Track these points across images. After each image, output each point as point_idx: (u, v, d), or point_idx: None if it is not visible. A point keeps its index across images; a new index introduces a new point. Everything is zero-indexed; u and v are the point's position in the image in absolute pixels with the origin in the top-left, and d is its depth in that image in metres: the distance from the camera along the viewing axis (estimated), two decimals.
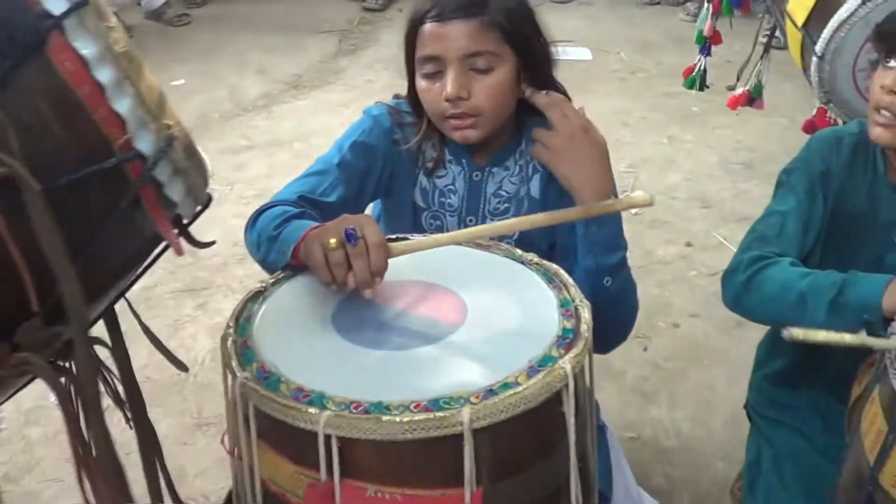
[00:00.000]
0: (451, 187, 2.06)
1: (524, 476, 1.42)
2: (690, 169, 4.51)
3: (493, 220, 2.03)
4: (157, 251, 1.48)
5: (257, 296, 1.62)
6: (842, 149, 2.08)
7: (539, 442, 1.43)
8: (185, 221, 1.40)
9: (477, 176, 2.05)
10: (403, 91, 2.06)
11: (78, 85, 1.13)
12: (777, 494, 2.13)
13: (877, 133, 1.96)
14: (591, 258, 1.82)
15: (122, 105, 1.18)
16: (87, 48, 1.14)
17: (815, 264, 2.03)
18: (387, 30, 6.19)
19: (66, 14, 1.13)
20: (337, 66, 5.58)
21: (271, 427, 1.39)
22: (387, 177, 2.06)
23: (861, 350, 1.71)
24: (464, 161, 2.05)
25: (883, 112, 1.93)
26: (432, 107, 1.94)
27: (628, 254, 1.85)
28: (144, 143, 1.21)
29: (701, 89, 3.34)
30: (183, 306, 3.62)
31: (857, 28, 2.30)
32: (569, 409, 1.42)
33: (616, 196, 1.82)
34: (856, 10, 2.28)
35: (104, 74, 1.16)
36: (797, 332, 1.55)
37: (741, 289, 1.97)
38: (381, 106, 2.09)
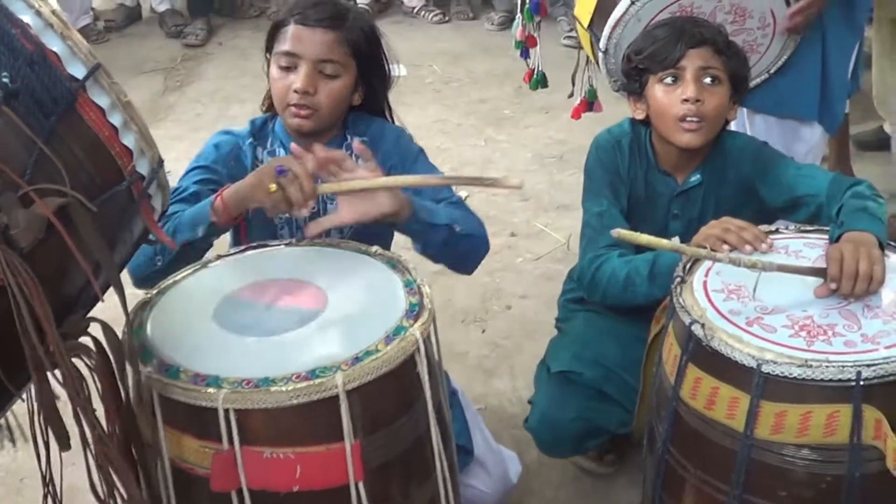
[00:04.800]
0: None
1: (393, 427, 1.72)
2: (507, 166, 4.81)
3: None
4: None
5: (144, 305, 1.87)
6: (622, 149, 2.52)
7: (402, 398, 1.74)
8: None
9: None
10: (230, 122, 2.30)
11: (99, 129, 1.44)
12: (559, 343, 2.70)
13: (687, 139, 2.37)
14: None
15: (129, 140, 1.48)
16: (103, 101, 1.45)
17: None
18: (209, 64, 6.27)
19: (87, 77, 1.42)
20: (166, 102, 5.66)
21: (175, 411, 1.65)
22: None
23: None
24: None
25: (689, 119, 2.34)
26: (280, 94, 2.22)
27: None
28: (143, 167, 1.52)
29: (545, 86, 3.51)
30: None
31: (630, 24, 2.64)
32: (422, 368, 1.73)
33: None
34: (627, 9, 2.62)
35: (116, 119, 1.46)
36: (624, 233, 1.88)
37: (588, 286, 2.42)
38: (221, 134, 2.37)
